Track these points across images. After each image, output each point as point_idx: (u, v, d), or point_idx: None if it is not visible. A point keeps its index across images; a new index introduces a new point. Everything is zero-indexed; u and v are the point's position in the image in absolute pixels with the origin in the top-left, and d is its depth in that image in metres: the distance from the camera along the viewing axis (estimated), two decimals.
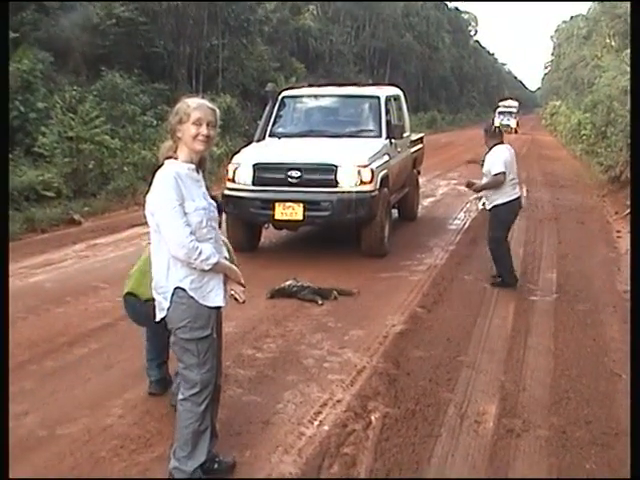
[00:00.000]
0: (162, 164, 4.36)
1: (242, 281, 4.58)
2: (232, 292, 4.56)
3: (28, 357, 6.94)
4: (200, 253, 4.21)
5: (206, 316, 4.38)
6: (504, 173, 9.43)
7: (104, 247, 12.27)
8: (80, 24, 25.29)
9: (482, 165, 9.93)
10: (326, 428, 5.44)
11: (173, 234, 4.17)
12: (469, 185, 10.09)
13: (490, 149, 9.73)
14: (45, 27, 23.89)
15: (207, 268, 4.29)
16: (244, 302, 4.64)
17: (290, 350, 7.18)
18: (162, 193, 4.21)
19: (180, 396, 4.47)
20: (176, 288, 4.30)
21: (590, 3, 77.35)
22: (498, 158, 9.54)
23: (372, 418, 5.63)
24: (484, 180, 9.75)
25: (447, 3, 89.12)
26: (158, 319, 4.45)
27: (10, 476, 4.43)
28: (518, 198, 9.79)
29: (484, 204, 10.08)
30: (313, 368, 6.69)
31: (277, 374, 6.54)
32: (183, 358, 4.41)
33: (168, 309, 4.33)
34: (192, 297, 4.31)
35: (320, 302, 8.72)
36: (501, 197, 9.57)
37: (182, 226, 4.18)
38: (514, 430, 5.46)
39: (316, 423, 5.54)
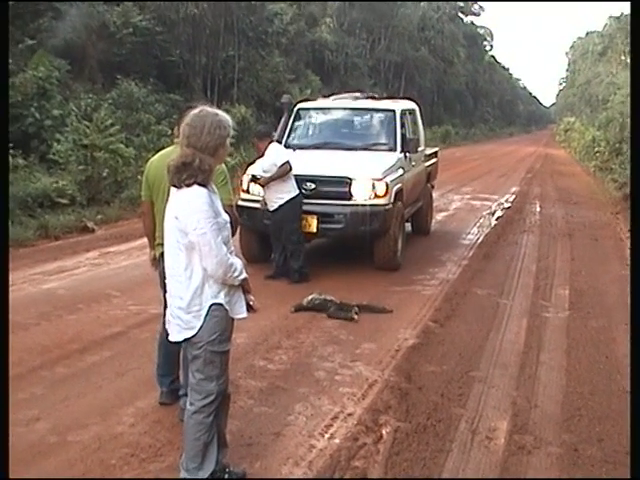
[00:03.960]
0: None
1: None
2: (250, 302, 4.56)
3: (40, 363, 6.95)
4: (235, 270, 4.25)
5: (230, 328, 4.44)
6: (289, 162, 10.20)
7: (117, 255, 12.30)
8: (96, 30, 25.43)
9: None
10: (337, 441, 5.43)
11: (213, 253, 4.16)
12: (255, 179, 10.51)
13: (265, 150, 10.36)
14: (62, 34, 24.00)
15: (237, 283, 4.33)
16: (257, 310, 4.65)
17: (302, 362, 7.17)
18: (200, 211, 4.18)
19: (192, 408, 4.45)
20: (213, 304, 4.30)
21: (606, 20, 77.22)
22: (278, 152, 10.41)
23: (383, 432, 5.61)
24: (264, 175, 10.28)
25: (463, 17, 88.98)
26: (181, 339, 4.42)
27: (10, 476, 4.44)
28: (300, 194, 10.40)
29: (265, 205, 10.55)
30: (324, 381, 6.68)
31: (288, 386, 6.54)
32: (205, 370, 4.39)
33: (201, 327, 4.30)
34: (226, 310, 4.34)
35: (356, 318, 8.57)
36: (288, 194, 10.25)
37: (220, 244, 4.19)
38: (525, 447, 5.44)
39: (327, 436, 5.53)
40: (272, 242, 10.72)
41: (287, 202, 10.19)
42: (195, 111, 4.34)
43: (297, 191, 10.27)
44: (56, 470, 4.92)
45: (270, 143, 10.42)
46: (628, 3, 49.17)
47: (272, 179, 10.14)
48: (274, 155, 10.24)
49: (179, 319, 4.35)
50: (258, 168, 10.46)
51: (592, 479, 4.97)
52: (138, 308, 8.85)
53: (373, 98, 14.04)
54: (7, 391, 5.06)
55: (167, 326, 4.56)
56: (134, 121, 23.17)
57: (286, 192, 10.20)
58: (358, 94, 14.05)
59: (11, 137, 16.99)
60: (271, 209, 10.30)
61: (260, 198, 10.63)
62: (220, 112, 4.38)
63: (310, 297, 9.00)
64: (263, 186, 10.29)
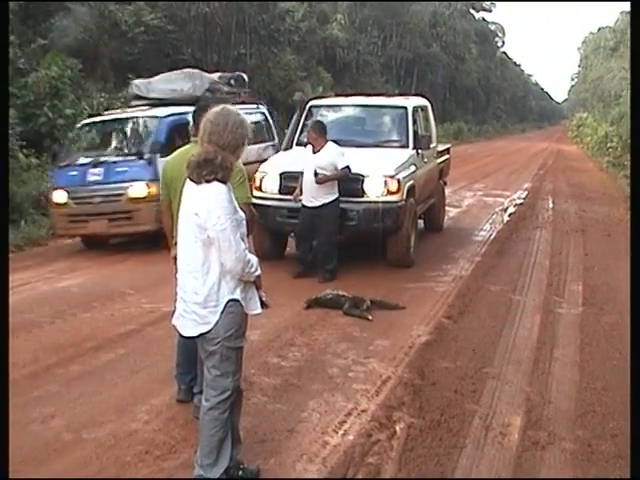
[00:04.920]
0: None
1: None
2: (263, 298, 4.59)
3: (55, 361, 7.00)
4: (252, 265, 4.29)
5: (245, 324, 4.46)
6: (349, 167, 10.19)
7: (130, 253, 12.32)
8: (108, 30, 25.48)
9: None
10: (351, 437, 5.43)
11: (233, 249, 4.19)
12: (316, 175, 10.21)
13: (322, 147, 10.30)
14: (74, 34, 24.06)
15: (252, 279, 4.37)
16: (270, 307, 4.69)
17: (315, 359, 7.18)
18: (221, 207, 4.20)
19: (207, 404, 4.47)
20: (229, 300, 4.32)
21: (617, 15, 76.83)
22: (339, 154, 10.32)
23: (397, 428, 5.61)
24: (324, 172, 10.15)
25: (474, 14, 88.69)
26: (197, 334, 4.42)
27: (10, 476, 4.47)
28: (339, 196, 10.34)
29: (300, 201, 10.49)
30: (338, 377, 6.68)
31: (302, 383, 6.55)
32: (221, 366, 4.41)
33: (217, 322, 4.32)
34: (242, 305, 4.37)
35: (370, 318, 8.51)
36: (332, 194, 10.24)
37: (239, 240, 4.22)
38: (539, 442, 5.42)
39: (341, 432, 5.53)
40: (297, 239, 10.76)
41: (330, 203, 10.19)
42: (217, 109, 4.35)
43: (337, 194, 10.27)
44: (71, 468, 4.94)
45: (327, 142, 10.36)
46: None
47: (330, 179, 10.14)
48: (334, 155, 10.23)
49: (195, 314, 4.36)
50: (310, 165, 10.28)
51: (588, 479, 4.97)
52: (152, 306, 8.87)
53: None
54: (7, 391, 5.08)
55: (176, 322, 4.56)
56: None
57: (332, 193, 10.21)
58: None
59: (24, 136, 17.08)
60: (309, 204, 10.26)
61: (272, 195, 10.66)
62: (241, 111, 4.41)
63: (322, 293, 9.00)
64: (320, 183, 10.18)
